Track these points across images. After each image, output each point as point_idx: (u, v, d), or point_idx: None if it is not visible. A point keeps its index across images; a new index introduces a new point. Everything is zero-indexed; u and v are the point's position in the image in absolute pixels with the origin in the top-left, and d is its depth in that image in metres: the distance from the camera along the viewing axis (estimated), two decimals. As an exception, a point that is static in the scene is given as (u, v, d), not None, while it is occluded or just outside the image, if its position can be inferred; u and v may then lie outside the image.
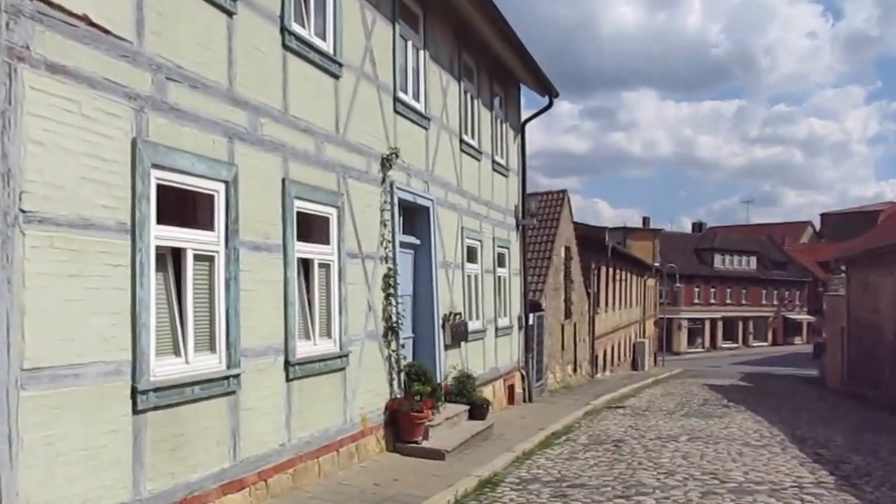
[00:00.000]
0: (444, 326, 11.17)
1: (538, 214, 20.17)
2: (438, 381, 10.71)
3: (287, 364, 7.04)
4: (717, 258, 67.23)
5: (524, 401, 15.71)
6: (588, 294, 24.50)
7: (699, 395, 20.44)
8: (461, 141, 12.34)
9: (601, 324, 27.51)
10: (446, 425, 9.99)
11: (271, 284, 6.90)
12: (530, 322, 16.67)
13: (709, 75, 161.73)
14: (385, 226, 9.34)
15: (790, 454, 9.86)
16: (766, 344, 69.83)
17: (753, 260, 70.14)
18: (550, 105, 15.65)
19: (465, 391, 11.04)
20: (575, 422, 13.35)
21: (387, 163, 9.32)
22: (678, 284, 53.00)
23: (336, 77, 8.19)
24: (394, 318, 9.33)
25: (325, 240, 8.02)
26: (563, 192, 21.24)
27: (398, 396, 9.33)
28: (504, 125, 15.02)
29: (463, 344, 12.02)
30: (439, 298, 11.00)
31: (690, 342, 64.65)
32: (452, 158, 11.98)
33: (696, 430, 12.16)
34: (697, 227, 78.74)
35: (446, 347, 11.29)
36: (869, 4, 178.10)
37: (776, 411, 15.86)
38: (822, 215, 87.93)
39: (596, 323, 25.87)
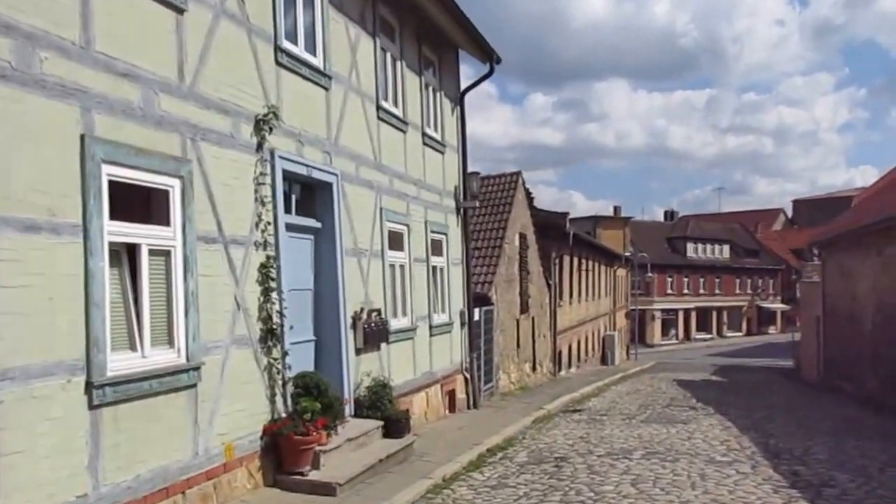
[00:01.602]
0: (354, 326, 9.37)
1: (481, 196, 18.44)
2: (345, 392, 8.93)
3: (90, 386, 5.19)
4: (690, 247, 66.02)
5: (468, 407, 13.96)
6: (549, 286, 22.81)
7: (667, 393, 18.86)
8: (379, 108, 10.52)
9: (564, 317, 25.85)
10: (349, 448, 8.20)
11: (60, 279, 5.05)
12: (476, 318, 14.92)
13: (679, 65, 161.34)
14: (263, 203, 7.51)
15: (762, 475, 8.17)
16: (740, 334, 68.84)
17: (726, 248, 69.10)
18: (491, 72, 13.86)
19: (379, 404, 9.24)
20: (520, 432, 11.63)
21: (263, 125, 7.49)
22: (650, 274, 51.58)
23: (179, 10, 6.34)
24: (275, 319, 7.51)
25: (162, 219, 6.17)
26: (517, 174, 19.49)
27: (282, 416, 7.53)
28: (438, 95, 13.22)
29: (383, 346, 10.24)
30: (346, 293, 9.19)
31: (664, 334, 63.44)
32: (367, 127, 10.17)
33: (655, 441, 10.47)
34: (669, 215, 77.53)
35: (358, 351, 9.49)
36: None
37: (748, 413, 14.26)
38: (794, 202, 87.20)
39: (558, 316, 24.20)
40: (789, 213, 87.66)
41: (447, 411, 13.05)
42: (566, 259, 25.64)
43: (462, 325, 13.90)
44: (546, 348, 22.72)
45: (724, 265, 68.22)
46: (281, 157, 7.84)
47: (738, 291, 69.84)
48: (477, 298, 15.59)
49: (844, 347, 20.59)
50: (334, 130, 9.19)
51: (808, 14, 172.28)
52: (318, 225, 9.00)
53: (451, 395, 13.34)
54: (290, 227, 8.28)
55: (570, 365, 27.01)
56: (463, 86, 14.26)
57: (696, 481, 7.84)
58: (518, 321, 18.93)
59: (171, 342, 6.15)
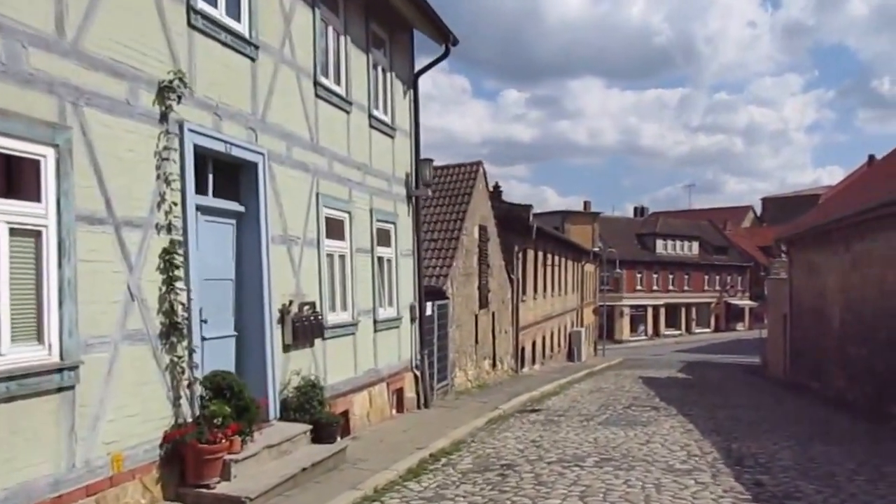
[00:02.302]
0: (282, 321, 8.53)
1: (439, 186, 17.72)
2: (269, 393, 8.11)
3: (-80, 389, 4.33)
4: (660, 243, 65.77)
5: (419, 407, 13.18)
6: (511, 280, 22.08)
7: (630, 391, 18.24)
8: (318, 84, 9.67)
9: (528, 313, 25.17)
10: (269, 456, 7.37)
11: None
12: (428, 312, 14.14)
13: (652, 64, 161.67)
14: (168, 182, 6.64)
15: (723, 485, 7.47)
16: (708, 330, 68.82)
17: (695, 245, 69.01)
18: (447, 53, 13.04)
19: (308, 406, 8.41)
20: (469, 435, 10.88)
21: (169, 93, 6.61)
22: (618, 270, 51.14)
23: (57, -47, 5.45)
24: (180, 312, 6.64)
25: (30, 194, 5.29)
26: (477, 163, 18.71)
27: (188, 421, 6.68)
28: (389, 76, 12.39)
29: (318, 342, 9.41)
30: (273, 284, 8.34)
31: (633, 330, 63.15)
32: (302, 105, 9.32)
33: (611, 445, 9.76)
34: (639, 211, 77.33)
35: (287, 348, 8.65)
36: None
37: (712, 413, 13.65)
38: (763, 199, 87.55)
39: (521, 312, 23.49)
40: (758, 211, 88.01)
41: (394, 411, 12.26)
42: (530, 253, 24.94)
43: (412, 320, 13.10)
44: (507, 345, 22.01)
45: (693, 262, 68.13)
46: (192, 131, 6.97)
47: (706, 288, 69.80)
48: (430, 292, 14.82)
49: (811, 345, 20.13)
50: (261, 105, 8.33)
51: (780, 16, 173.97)
52: (241, 209, 8.13)
53: (400, 394, 12.55)
54: (206, 210, 7.43)
55: (534, 361, 26.35)
56: (417, 67, 13.44)
57: (650, 493, 7.11)
58: (477, 316, 18.18)
59: (39, 338, 5.28)
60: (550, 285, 29.69)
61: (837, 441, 10.63)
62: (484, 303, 18.91)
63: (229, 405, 6.78)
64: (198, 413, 6.75)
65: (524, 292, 24.33)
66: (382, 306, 11.89)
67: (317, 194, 9.59)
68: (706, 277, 69.70)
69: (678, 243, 67.71)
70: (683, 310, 67.72)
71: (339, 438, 8.72)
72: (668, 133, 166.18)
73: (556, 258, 30.71)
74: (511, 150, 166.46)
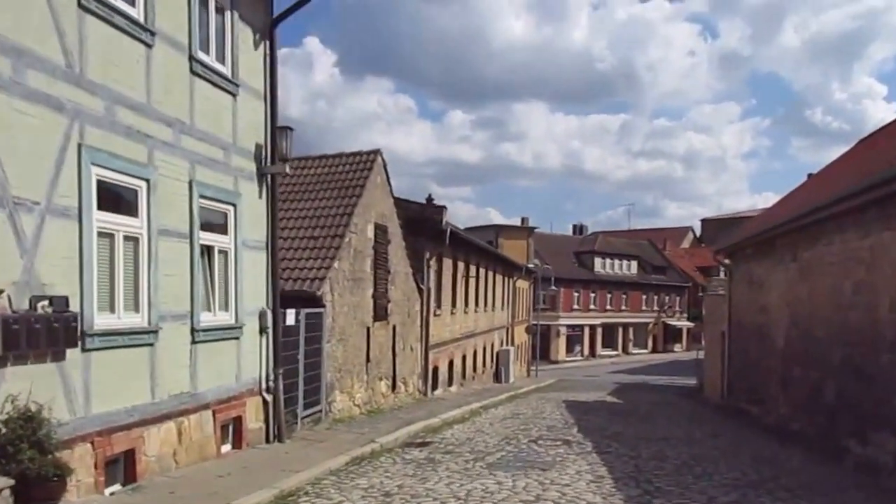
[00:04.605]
0: (-16, 321, 5.68)
1: (327, 176, 15.06)
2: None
3: None
4: (598, 262, 64.01)
5: (268, 440, 10.36)
6: (420, 290, 19.40)
7: (548, 418, 15.70)
8: (88, -7, 6.89)
9: (444, 328, 22.50)
10: None
11: None
12: (290, 321, 11.34)
13: (595, 89, 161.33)
14: None
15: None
16: (646, 351, 67.17)
17: (634, 264, 67.50)
18: (311, -6, 10.39)
19: (14, 450, 5.54)
20: (311, 482, 8.15)
21: None
22: (553, 287, 48.97)
23: None
24: None
25: None
26: (375, 152, 16.00)
27: None
28: (230, 16, 9.66)
29: (73, 354, 6.56)
30: (-35, 265, 5.50)
31: (569, 350, 61.04)
32: (51, 14, 6.50)
33: (493, 501, 7.10)
34: (578, 230, 75.69)
35: (-2, 362, 5.80)
36: (741, 24, 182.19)
37: (635, 448, 11.14)
38: (703, 220, 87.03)
39: (434, 327, 20.79)
40: (698, 232, 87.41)
41: (227, 447, 9.43)
42: (446, 262, 22.30)
43: (262, 329, 10.28)
44: (414, 363, 19.26)
45: (631, 281, 66.55)
46: None
47: (644, 308, 68.26)
48: (296, 297, 12.04)
49: (752, 366, 17.91)
50: (-43, -5, 5.54)
51: (718, 45, 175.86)
52: None
53: (238, 424, 9.71)
54: None
55: (450, 383, 23.66)
56: (276, 13, 10.72)
57: None
58: (370, 330, 15.42)
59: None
60: (474, 299, 27.11)
61: (792, 491, 8.15)
62: (381, 314, 16.16)
63: None
64: None
65: (439, 305, 21.67)
66: (209, 310, 9.07)
67: (79, 145, 6.76)
68: (644, 297, 68.19)
69: (617, 262, 66.08)
70: (621, 330, 65.99)
71: (66, 497, 5.86)
72: (610, 157, 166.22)
73: (481, 270, 28.17)
74: (457, 171, 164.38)
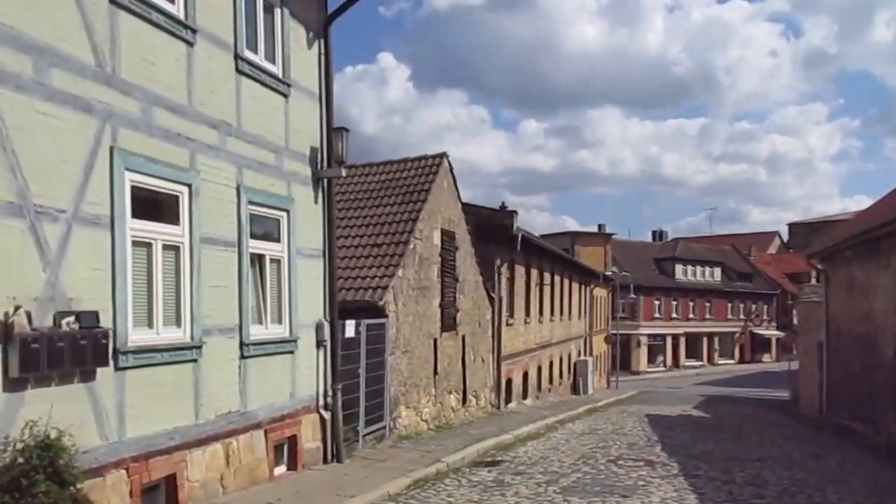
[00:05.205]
0: (5, 339, 5.22)
1: (389, 182, 14.51)
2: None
3: None
4: (679, 269, 61.68)
5: (325, 461, 9.77)
6: (491, 299, 18.63)
7: (629, 434, 14.71)
8: (122, -12, 6.46)
9: (517, 339, 21.66)
10: None
11: None
12: (350, 333, 10.76)
13: (671, 93, 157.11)
14: None
15: None
16: (732, 362, 64.30)
17: (718, 271, 64.83)
18: (364, -13, 9.84)
19: (29, 483, 5.05)
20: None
21: None
22: (633, 295, 47.35)
23: None
24: None
25: None
26: (441, 155, 15.37)
27: None
28: (280, 13, 9.18)
29: (104, 373, 6.09)
30: (-20, 278, 5.07)
31: (651, 361, 58.93)
32: (79, 12, 6.08)
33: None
34: (658, 236, 73.31)
35: (16, 384, 5.33)
36: (826, 21, 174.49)
37: (727, 471, 10.11)
38: (790, 225, 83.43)
39: (506, 337, 19.98)
40: (785, 237, 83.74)
41: (281, 469, 8.88)
42: (518, 269, 21.47)
43: (319, 343, 9.72)
44: (485, 375, 18.49)
45: (715, 289, 63.89)
46: None
47: (730, 317, 65.43)
48: (358, 308, 11.47)
49: (855, 378, 16.43)
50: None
51: (802, 44, 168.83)
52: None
53: (293, 444, 9.14)
54: None
55: (525, 395, 22.76)
56: (331, 10, 10.20)
57: None
58: (437, 341, 14.74)
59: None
60: (549, 308, 26.13)
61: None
62: (449, 324, 15.48)
63: None
64: None
65: (511, 314, 20.85)
66: (262, 323, 8.55)
67: (111, 149, 6.31)
68: (729, 305, 65.36)
69: (699, 269, 63.60)
70: (705, 339, 63.39)
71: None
72: (689, 162, 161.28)
73: (556, 278, 27.18)
74: (531, 180, 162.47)
